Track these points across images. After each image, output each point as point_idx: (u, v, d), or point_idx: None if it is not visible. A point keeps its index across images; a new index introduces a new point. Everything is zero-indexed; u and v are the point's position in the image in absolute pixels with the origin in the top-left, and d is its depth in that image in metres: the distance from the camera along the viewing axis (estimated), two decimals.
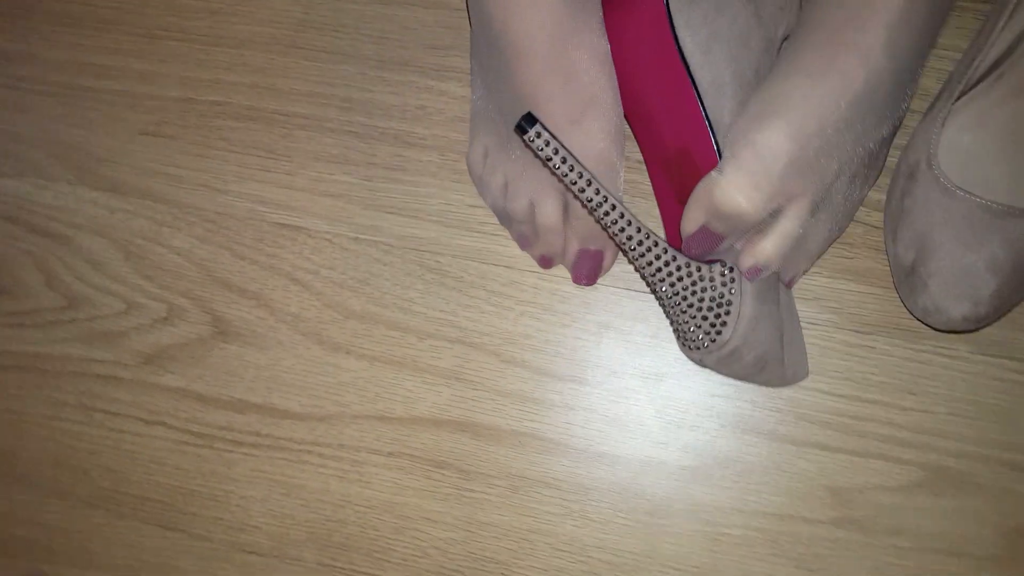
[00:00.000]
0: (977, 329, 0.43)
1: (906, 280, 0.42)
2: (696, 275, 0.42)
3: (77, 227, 0.53)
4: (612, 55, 0.43)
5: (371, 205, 0.51)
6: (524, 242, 0.48)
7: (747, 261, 0.42)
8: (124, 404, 0.53)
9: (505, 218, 0.48)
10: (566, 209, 0.45)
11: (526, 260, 0.49)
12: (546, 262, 0.48)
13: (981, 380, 0.46)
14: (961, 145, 0.41)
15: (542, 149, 0.39)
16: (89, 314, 0.53)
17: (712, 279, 0.42)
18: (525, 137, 0.39)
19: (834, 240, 0.45)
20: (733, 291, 0.42)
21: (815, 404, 0.47)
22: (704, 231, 0.41)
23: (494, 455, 0.49)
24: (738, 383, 0.47)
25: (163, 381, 0.52)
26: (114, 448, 0.53)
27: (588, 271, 0.47)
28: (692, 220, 0.41)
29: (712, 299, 0.42)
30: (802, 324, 0.47)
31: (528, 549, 0.49)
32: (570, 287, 0.49)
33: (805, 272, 0.46)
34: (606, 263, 0.48)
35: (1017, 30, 0.39)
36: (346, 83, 0.52)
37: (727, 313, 0.42)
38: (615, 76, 0.43)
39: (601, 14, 0.43)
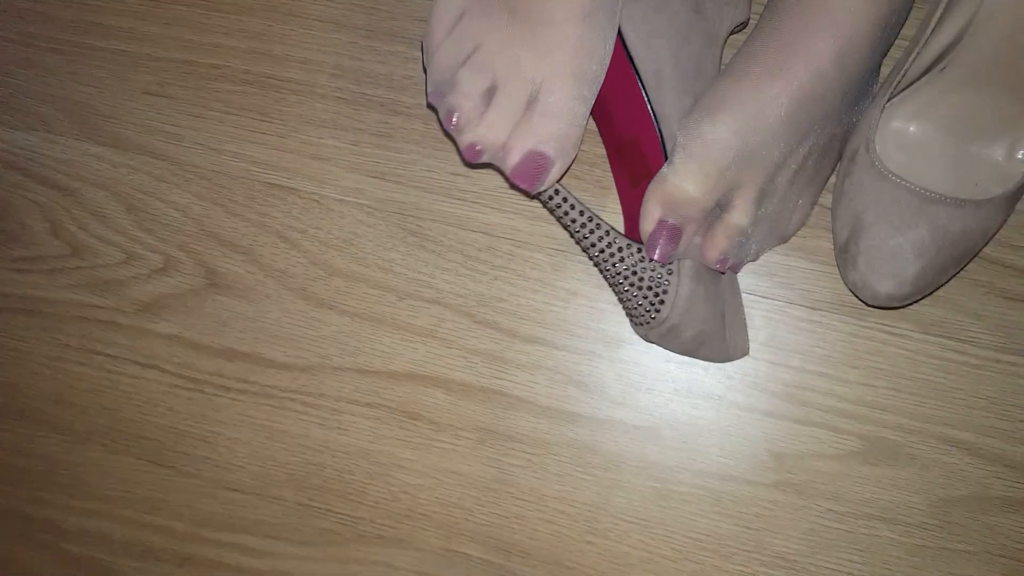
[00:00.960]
0: (903, 306, 0.46)
1: (840, 256, 0.45)
2: (636, 256, 0.45)
3: (82, 180, 0.57)
4: None
5: (357, 169, 0.54)
6: (458, 121, 0.43)
7: (710, 254, 0.45)
8: (122, 348, 0.57)
9: (447, 85, 0.44)
10: (532, 101, 0.42)
11: (503, 227, 0.52)
12: (474, 153, 0.44)
13: (921, 358, 0.49)
14: (906, 134, 0.44)
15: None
16: (91, 263, 0.57)
17: (650, 261, 0.45)
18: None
19: (781, 236, 0.48)
20: (671, 271, 0.46)
21: (764, 373, 0.50)
22: (662, 225, 0.44)
23: (464, 409, 0.53)
24: None
25: (159, 328, 0.56)
26: (112, 389, 0.57)
27: (532, 172, 0.43)
28: (649, 215, 0.44)
29: (651, 279, 0.45)
30: (756, 298, 0.51)
31: (491, 498, 0.53)
32: (542, 255, 0.52)
33: (752, 260, 0.49)
34: (552, 173, 0.43)
35: (957, 26, 0.41)
36: (337, 51, 0.55)
37: (664, 292, 0.45)
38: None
39: None
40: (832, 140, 0.45)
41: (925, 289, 0.43)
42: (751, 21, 0.48)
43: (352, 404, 0.54)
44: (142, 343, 0.56)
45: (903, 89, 0.44)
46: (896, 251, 0.42)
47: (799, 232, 0.50)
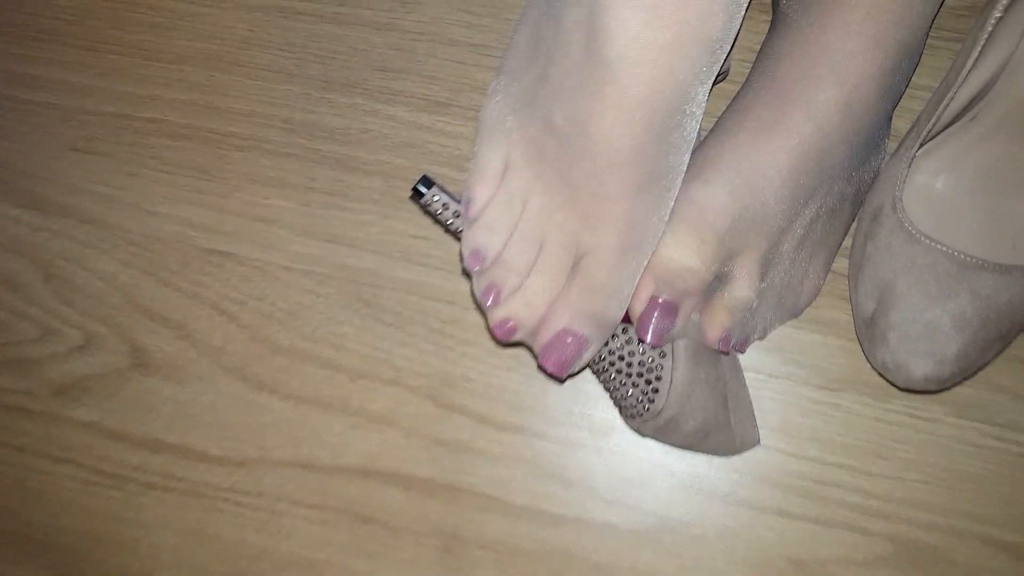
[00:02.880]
0: (941, 390, 0.40)
1: (866, 331, 0.40)
2: (623, 338, 0.40)
3: None
4: None
5: (306, 232, 0.49)
6: (495, 296, 0.39)
7: (712, 332, 0.40)
8: (32, 438, 0.50)
9: (491, 253, 0.39)
10: (575, 273, 0.38)
11: (470, 296, 0.47)
12: (506, 331, 0.39)
13: (956, 445, 0.43)
14: (932, 191, 0.39)
15: (441, 214, 0.40)
16: (2, 340, 0.51)
17: (642, 341, 0.40)
18: (422, 203, 0.39)
19: (791, 310, 0.43)
20: (664, 355, 0.40)
21: (776, 466, 0.44)
22: (655, 303, 0.38)
23: (426, 511, 0.46)
24: None
25: (76, 415, 0.50)
26: (17, 487, 0.50)
27: (564, 357, 0.38)
28: (639, 291, 0.38)
29: (642, 364, 0.40)
30: (763, 378, 0.45)
31: None
32: None
33: (759, 338, 0.44)
34: (586, 356, 0.39)
35: (990, 70, 0.37)
36: (288, 104, 0.50)
37: (658, 379, 0.40)
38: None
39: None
40: (842, 200, 0.41)
41: (967, 370, 0.38)
42: (733, 70, 0.45)
43: (295, 505, 0.47)
44: (56, 432, 0.50)
45: (928, 140, 0.39)
46: (934, 325, 0.36)
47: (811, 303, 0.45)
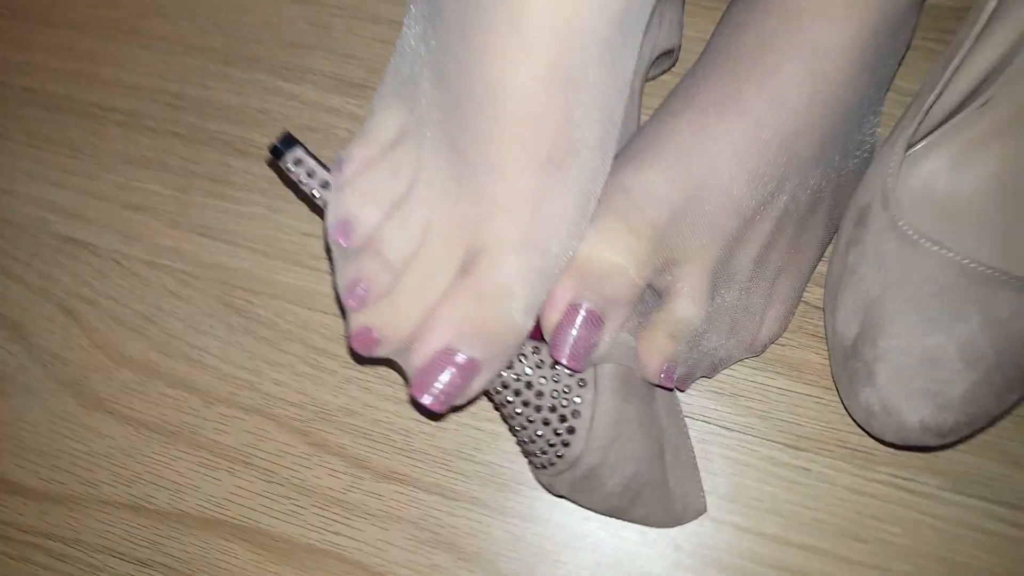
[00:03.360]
0: (940, 447, 0.31)
1: (846, 365, 0.31)
2: (532, 359, 0.31)
3: None
4: None
5: (179, 223, 0.41)
6: (359, 292, 0.30)
7: (649, 360, 0.31)
8: None
9: (359, 234, 0.30)
10: (463, 274, 0.29)
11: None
12: (369, 342, 0.30)
13: (955, 529, 0.33)
14: (932, 192, 0.31)
15: (304, 182, 0.31)
16: None
17: (554, 365, 0.31)
18: (281, 165, 0.31)
19: (749, 344, 0.35)
20: (583, 383, 0.31)
21: (726, 544, 0.35)
22: (574, 311, 0.29)
23: None
24: None
25: None
26: None
27: (444, 387, 0.29)
28: (555, 297, 0.30)
29: (556, 395, 0.31)
30: (712, 429, 0.36)
31: None
32: None
33: (706, 375, 0.35)
34: (475, 385, 0.30)
35: (1007, 40, 0.30)
36: (182, 78, 0.43)
37: (575, 415, 0.31)
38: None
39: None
40: (815, 203, 0.33)
41: (976, 421, 0.29)
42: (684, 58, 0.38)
43: (116, 558, 0.37)
44: None
45: (926, 134, 0.31)
46: (935, 357, 0.28)
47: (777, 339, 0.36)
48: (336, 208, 0.30)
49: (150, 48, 0.44)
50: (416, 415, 0.37)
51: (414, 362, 0.29)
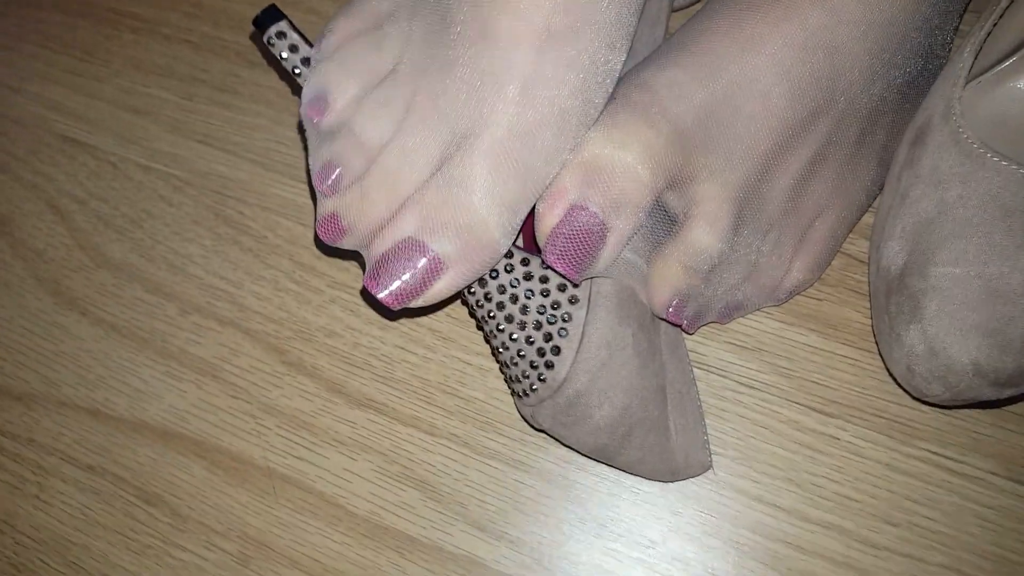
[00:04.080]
0: (997, 403, 0.27)
1: (888, 303, 0.27)
2: (519, 270, 0.28)
3: None
4: None
5: (179, 129, 0.40)
6: (334, 178, 0.27)
7: (660, 292, 0.28)
8: None
9: (333, 108, 0.28)
10: (441, 164, 0.26)
11: None
12: (335, 230, 0.28)
13: (1004, 521, 0.29)
14: (1004, 120, 0.28)
15: (286, 58, 0.29)
16: None
17: (545, 279, 0.28)
18: (264, 38, 0.29)
19: (772, 289, 0.31)
20: (575, 301, 0.28)
21: (733, 512, 0.31)
22: (575, 212, 0.26)
23: (231, 501, 0.34)
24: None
25: None
26: None
27: (402, 282, 0.27)
28: (556, 195, 0.27)
29: (543, 310, 0.28)
30: (729, 383, 0.32)
31: None
32: None
33: (720, 320, 0.32)
34: (439, 285, 0.27)
35: None
36: None
37: (562, 335, 0.28)
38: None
39: None
40: (867, 131, 0.29)
41: None
42: None
43: (67, 463, 0.35)
44: None
45: (1000, 59, 0.28)
46: (997, 288, 0.24)
47: (811, 291, 0.32)
48: (313, 81, 0.28)
49: None
50: (397, 343, 0.35)
51: (374, 251, 0.27)
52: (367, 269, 0.27)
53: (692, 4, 0.37)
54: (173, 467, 0.34)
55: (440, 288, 0.27)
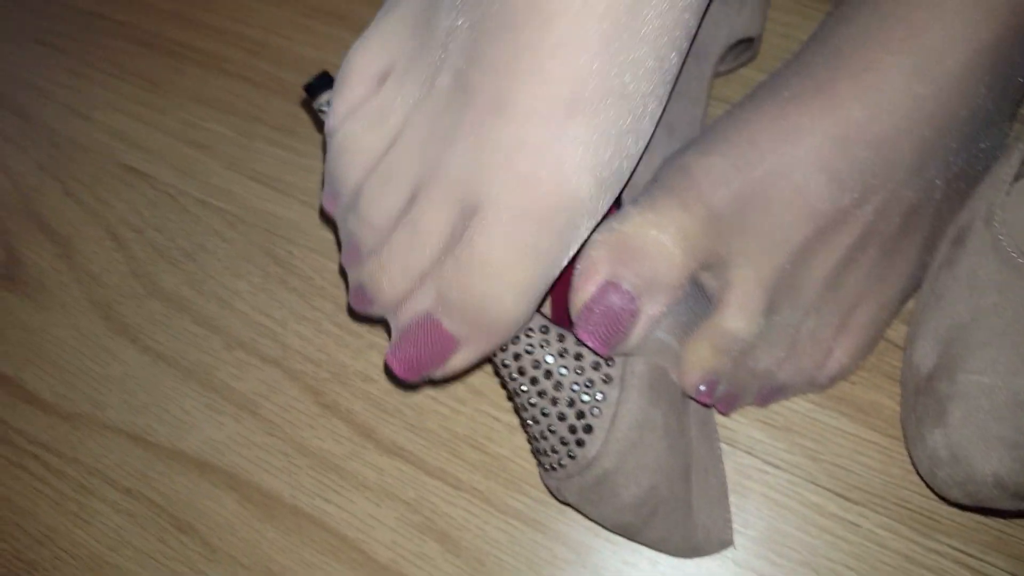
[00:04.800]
0: (1017, 514, 0.28)
1: (916, 402, 0.28)
2: (556, 345, 0.29)
3: None
4: None
5: (236, 166, 0.42)
6: (352, 252, 0.29)
7: (691, 372, 0.30)
8: None
9: (348, 193, 0.29)
10: (456, 235, 0.27)
11: None
12: (363, 300, 0.29)
13: None
14: None
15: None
16: None
17: (579, 356, 0.29)
18: (315, 104, 0.30)
19: (810, 376, 0.32)
20: (608, 380, 0.29)
21: None
22: (608, 290, 0.28)
23: (259, 536, 0.36)
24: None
25: None
26: None
27: (417, 354, 0.28)
28: (589, 271, 0.28)
29: (575, 388, 0.29)
30: (756, 463, 0.33)
31: None
32: None
33: (757, 403, 0.33)
34: (455, 360, 0.28)
35: None
36: (267, 26, 0.45)
37: (595, 414, 0.29)
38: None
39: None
40: (910, 224, 0.30)
41: None
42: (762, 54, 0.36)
43: (107, 485, 0.38)
44: None
45: None
46: (1023, 399, 0.25)
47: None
48: (326, 168, 0.30)
49: None
50: (430, 394, 0.36)
51: (395, 324, 0.28)
52: (395, 338, 0.28)
53: (735, 69, 0.38)
54: (207, 498, 0.37)
55: (455, 364, 0.28)
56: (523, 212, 0.25)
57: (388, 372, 0.37)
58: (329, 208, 0.30)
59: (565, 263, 0.27)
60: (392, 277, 0.28)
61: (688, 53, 0.27)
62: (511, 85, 0.25)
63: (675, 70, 0.26)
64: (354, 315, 0.38)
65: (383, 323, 0.37)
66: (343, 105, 0.29)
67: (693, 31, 0.26)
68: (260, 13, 0.46)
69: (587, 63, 0.24)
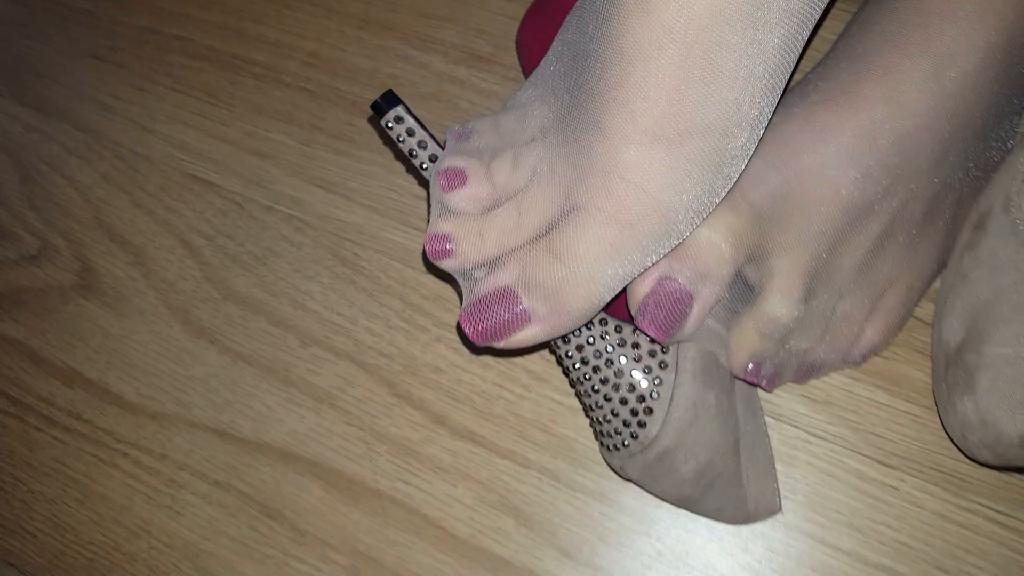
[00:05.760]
0: None
1: (946, 373, 0.32)
2: (615, 336, 0.34)
3: None
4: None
5: (299, 173, 0.47)
6: (457, 182, 0.33)
7: (738, 355, 0.34)
8: None
9: (478, 144, 0.34)
10: (550, 227, 0.32)
11: None
12: (442, 250, 0.33)
13: None
14: None
15: (403, 140, 0.35)
16: None
17: (636, 345, 0.34)
18: (382, 122, 0.35)
19: (844, 352, 0.37)
20: (665, 366, 0.34)
21: (797, 552, 0.36)
22: (664, 284, 0.32)
23: (344, 519, 0.40)
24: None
25: (2, 328, 0.48)
26: None
27: (491, 317, 0.32)
28: (648, 269, 0.32)
29: (635, 375, 0.34)
30: (800, 434, 0.38)
31: None
32: None
33: (797, 380, 0.37)
34: (523, 334, 0.32)
35: None
36: (320, 38, 0.50)
37: (654, 397, 0.34)
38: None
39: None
40: (934, 212, 0.35)
41: None
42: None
43: (197, 478, 0.42)
44: None
45: None
46: None
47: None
48: (445, 159, 0.33)
49: (293, 8, 0.51)
50: (497, 382, 0.41)
51: (477, 290, 0.33)
52: (463, 304, 0.33)
53: None
54: (293, 486, 0.41)
55: (522, 337, 0.32)
56: (610, 218, 0.30)
57: (460, 334, 0.41)
58: (442, 189, 0.33)
59: (642, 269, 0.31)
60: (486, 242, 0.32)
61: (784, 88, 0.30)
62: (605, 112, 0.30)
63: (766, 109, 0.29)
64: (429, 265, 0.43)
65: (450, 308, 0.41)
66: (489, 123, 0.35)
67: (782, 71, 0.29)
68: (311, 25, 0.50)
69: (664, 100, 0.28)
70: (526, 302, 0.32)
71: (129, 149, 0.50)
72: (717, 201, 0.31)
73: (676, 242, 0.31)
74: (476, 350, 0.41)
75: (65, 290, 0.47)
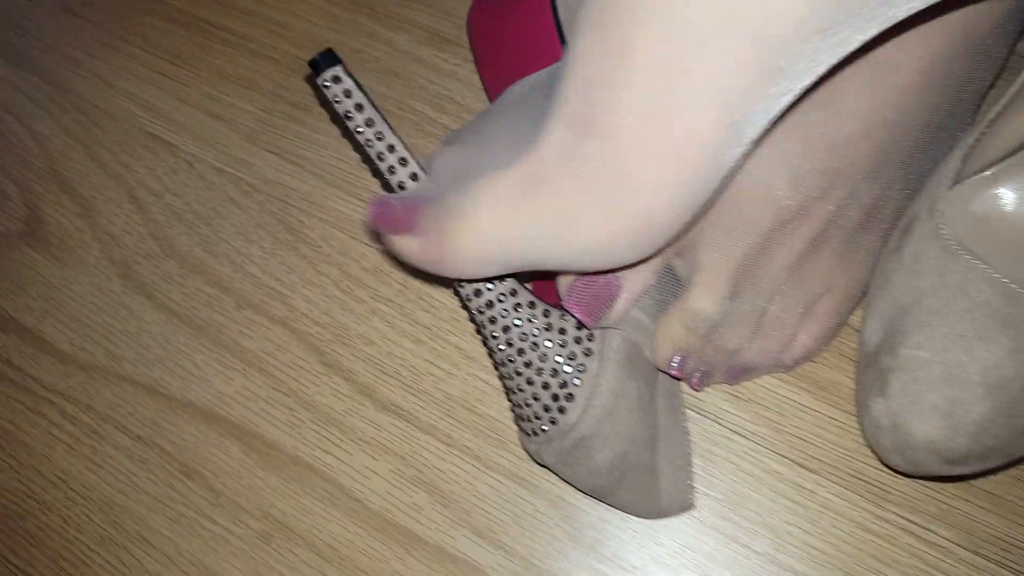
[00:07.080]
0: (951, 478, 0.32)
1: (863, 376, 0.33)
2: (541, 320, 0.34)
3: None
4: (492, 43, 0.39)
5: (254, 139, 0.47)
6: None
7: (662, 348, 0.35)
8: None
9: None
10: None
11: None
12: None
13: None
14: (990, 219, 0.33)
15: (340, 101, 0.32)
16: None
17: (563, 331, 0.34)
18: (319, 80, 0.32)
19: (775, 356, 0.37)
20: (589, 353, 0.34)
21: (710, 550, 0.36)
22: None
23: (261, 483, 0.40)
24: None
25: None
26: None
27: (393, 215, 0.31)
28: None
29: (559, 360, 0.34)
30: (722, 431, 0.38)
31: None
32: (443, 296, 0.42)
33: (727, 381, 0.37)
34: (408, 243, 0.31)
35: None
36: (290, 10, 0.50)
37: (576, 384, 0.34)
38: None
39: None
40: (870, 221, 0.35)
41: (989, 456, 0.30)
42: None
43: (119, 431, 0.43)
44: None
45: (1000, 158, 0.33)
46: (955, 373, 0.29)
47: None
48: None
49: None
50: (427, 358, 0.41)
51: (406, 184, 0.32)
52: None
53: None
54: (213, 447, 0.41)
55: (400, 244, 0.31)
56: (523, 178, 0.29)
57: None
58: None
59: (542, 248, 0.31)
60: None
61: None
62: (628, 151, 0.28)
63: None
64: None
65: (387, 282, 0.41)
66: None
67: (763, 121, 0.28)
68: None
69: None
70: (424, 218, 0.30)
71: (92, 104, 0.50)
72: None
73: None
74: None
75: (11, 236, 0.48)
